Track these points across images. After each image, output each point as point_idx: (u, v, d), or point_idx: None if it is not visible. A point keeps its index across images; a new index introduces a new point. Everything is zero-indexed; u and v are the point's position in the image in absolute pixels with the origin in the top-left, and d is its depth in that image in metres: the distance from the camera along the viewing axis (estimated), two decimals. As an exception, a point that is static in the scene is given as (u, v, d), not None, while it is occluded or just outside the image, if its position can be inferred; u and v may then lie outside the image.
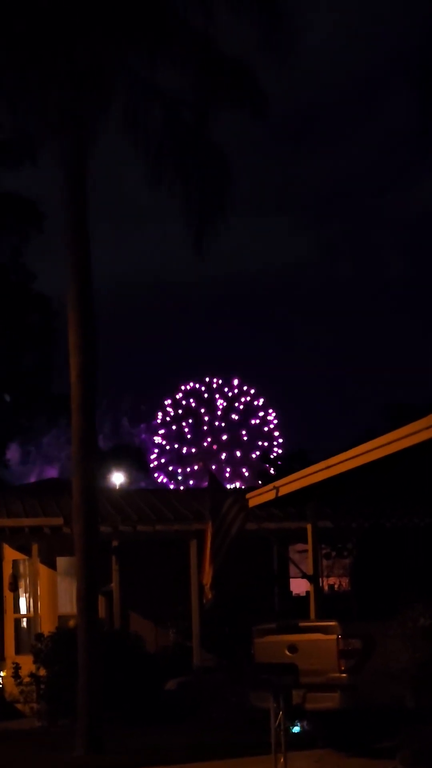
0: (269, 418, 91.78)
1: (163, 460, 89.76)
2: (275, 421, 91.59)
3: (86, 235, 18.43)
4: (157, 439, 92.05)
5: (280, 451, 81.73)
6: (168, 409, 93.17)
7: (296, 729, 16.27)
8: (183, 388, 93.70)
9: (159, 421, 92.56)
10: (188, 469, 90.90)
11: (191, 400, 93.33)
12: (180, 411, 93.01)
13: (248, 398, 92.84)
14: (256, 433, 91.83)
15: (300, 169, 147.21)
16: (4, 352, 36.25)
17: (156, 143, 18.29)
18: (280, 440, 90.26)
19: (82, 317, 18.36)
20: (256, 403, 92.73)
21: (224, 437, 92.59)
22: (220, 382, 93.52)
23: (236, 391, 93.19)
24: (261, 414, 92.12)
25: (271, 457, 66.58)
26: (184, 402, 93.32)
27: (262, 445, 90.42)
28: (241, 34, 18.33)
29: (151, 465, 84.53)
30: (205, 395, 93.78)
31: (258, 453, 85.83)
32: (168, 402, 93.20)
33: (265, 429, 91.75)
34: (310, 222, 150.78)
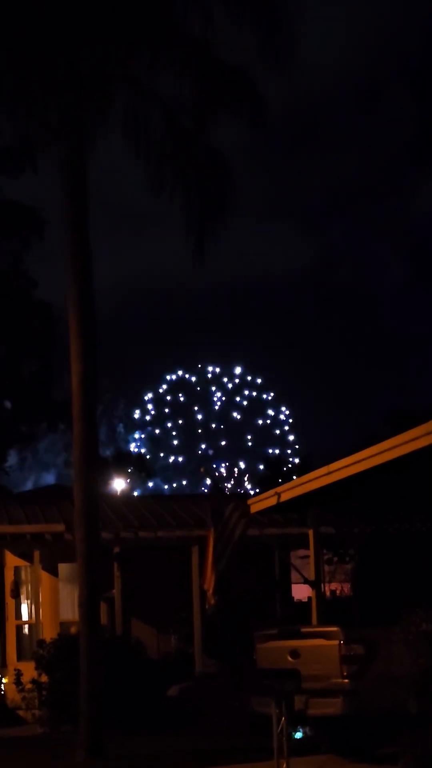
0: (281, 417, 73.02)
1: (143, 474, 69.04)
2: (290, 421, 71.96)
3: (86, 238, 18.43)
4: (133, 446, 72.94)
5: (296, 461, 64.37)
6: (149, 406, 74.05)
7: (298, 735, 16.24)
8: (168, 378, 73.15)
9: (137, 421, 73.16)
10: (174, 485, 72.11)
11: (179, 395, 73.91)
12: (167, 409, 74.27)
13: (254, 392, 73.21)
14: (265, 436, 73.45)
15: (300, 173, 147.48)
16: (4, 358, 36.23)
17: (156, 147, 18.28)
18: (297, 446, 71.43)
19: (82, 322, 18.35)
20: (264, 397, 72.24)
21: (223, 443, 75.90)
22: (218, 371, 73.66)
23: (238, 381, 73.88)
24: (271, 412, 72.09)
25: (288, 467, 54.14)
26: (169, 397, 74.16)
27: (273, 453, 71.47)
28: (241, 42, 18.35)
29: (127, 481, 65.33)
30: (198, 388, 73.67)
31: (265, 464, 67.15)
32: (149, 396, 73.42)
33: (277, 432, 73.81)
34: (311, 226, 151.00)
